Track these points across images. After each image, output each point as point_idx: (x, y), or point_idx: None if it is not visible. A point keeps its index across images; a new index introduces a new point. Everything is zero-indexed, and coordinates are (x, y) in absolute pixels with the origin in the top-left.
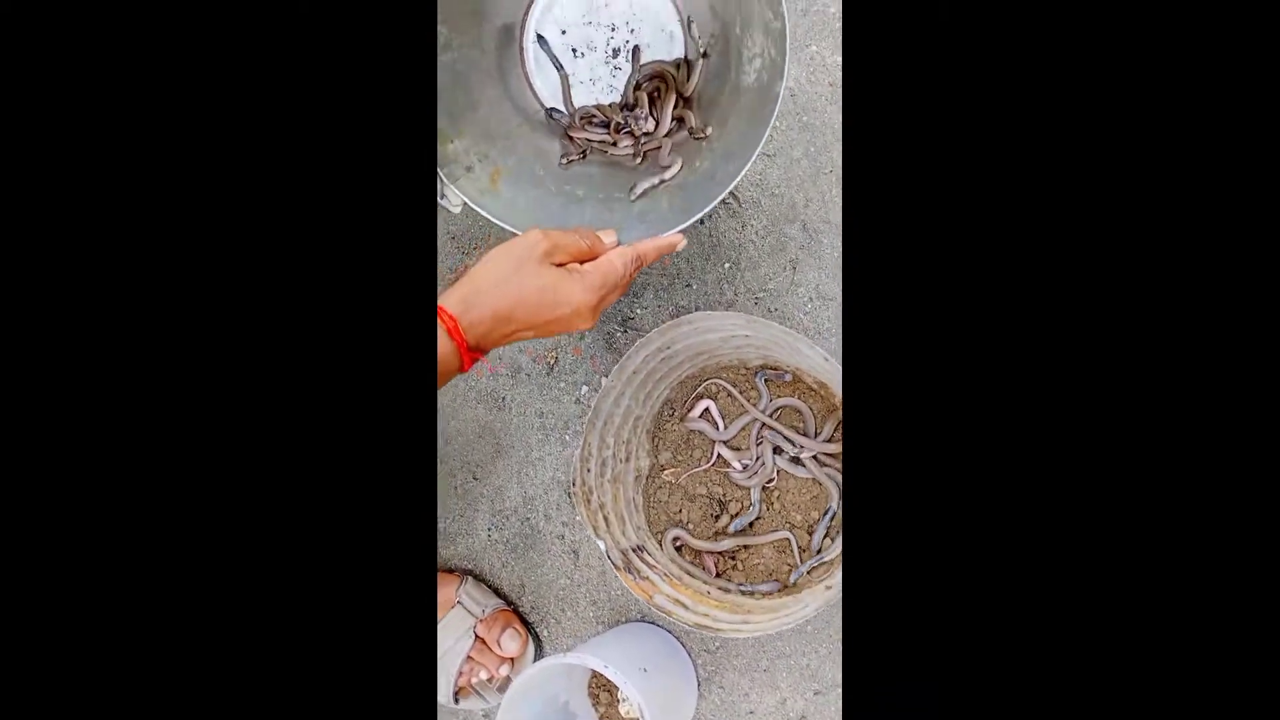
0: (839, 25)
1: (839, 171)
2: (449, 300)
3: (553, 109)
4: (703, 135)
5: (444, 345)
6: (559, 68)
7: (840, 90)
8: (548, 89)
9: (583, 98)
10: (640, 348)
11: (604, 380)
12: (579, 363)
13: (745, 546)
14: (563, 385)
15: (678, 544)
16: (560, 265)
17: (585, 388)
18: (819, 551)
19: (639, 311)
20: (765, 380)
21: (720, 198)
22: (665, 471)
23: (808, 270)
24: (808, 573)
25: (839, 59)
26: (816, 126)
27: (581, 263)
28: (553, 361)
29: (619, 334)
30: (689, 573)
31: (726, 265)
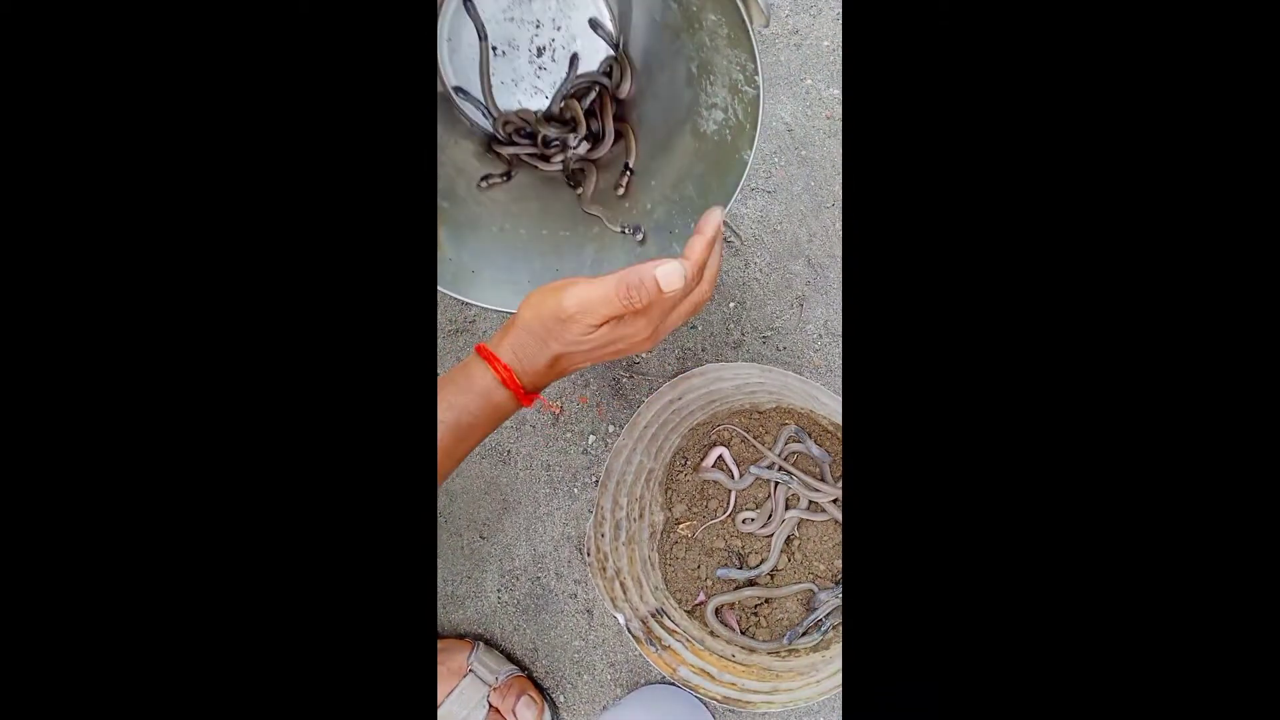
0: (833, 58)
1: (840, 205)
2: (502, 349)
3: (458, 88)
4: (625, 181)
5: (500, 394)
6: (483, 37)
7: (837, 123)
8: (461, 79)
9: (505, 100)
10: (650, 404)
11: (610, 428)
12: (585, 411)
13: (767, 600)
14: (569, 435)
15: (717, 609)
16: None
17: (592, 437)
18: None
19: (644, 355)
20: (788, 439)
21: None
22: (680, 526)
23: (815, 307)
24: (832, 627)
25: (835, 92)
26: (815, 160)
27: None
28: (558, 411)
29: (625, 380)
30: (713, 633)
31: (732, 305)
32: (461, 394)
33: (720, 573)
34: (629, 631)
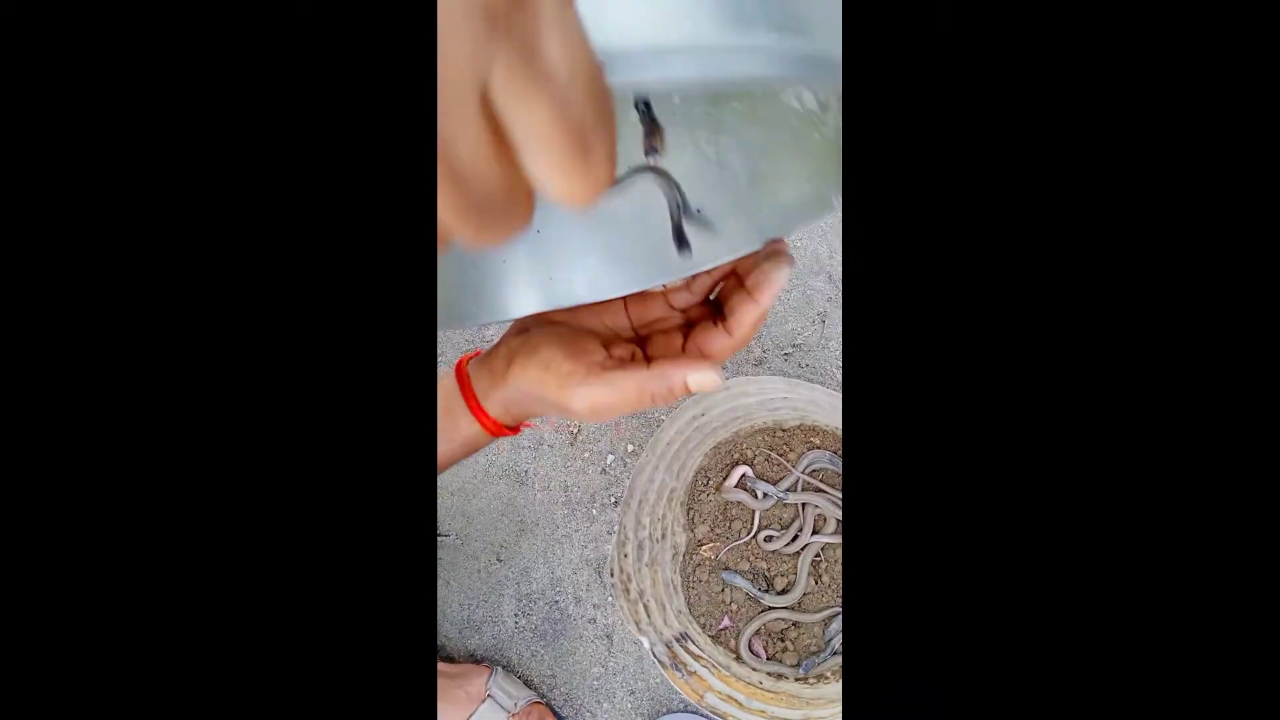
0: None
1: None
2: (490, 404)
3: None
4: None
5: (486, 439)
6: None
7: None
8: None
9: None
10: (673, 419)
11: (629, 447)
12: (602, 431)
13: (795, 624)
14: (587, 456)
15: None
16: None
17: (611, 457)
18: None
19: None
20: (810, 462)
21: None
22: (703, 547)
23: (838, 323)
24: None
25: None
26: None
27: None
28: (575, 432)
29: None
30: (739, 658)
31: None
32: (445, 444)
33: (725, 576)
34: (654, 656)
